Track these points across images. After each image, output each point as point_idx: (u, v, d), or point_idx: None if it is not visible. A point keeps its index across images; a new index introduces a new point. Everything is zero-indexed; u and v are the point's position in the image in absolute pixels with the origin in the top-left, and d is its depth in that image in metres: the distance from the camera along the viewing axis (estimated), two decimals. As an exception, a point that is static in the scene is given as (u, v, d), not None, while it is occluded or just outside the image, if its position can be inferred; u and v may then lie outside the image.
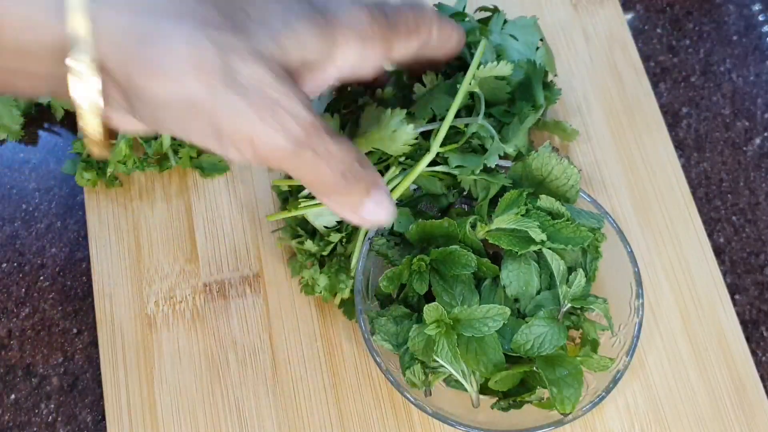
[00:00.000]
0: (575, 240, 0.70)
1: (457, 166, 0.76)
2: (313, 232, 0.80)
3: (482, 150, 0.76)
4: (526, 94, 0.79)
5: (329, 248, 0.79)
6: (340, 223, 0.79)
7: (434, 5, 0.87)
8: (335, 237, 0.78)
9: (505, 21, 0.83)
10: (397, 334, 0.73)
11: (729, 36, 0.95)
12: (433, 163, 0.76)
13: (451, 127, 0.77)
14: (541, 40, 0.83)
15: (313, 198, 0.78)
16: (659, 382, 0.80)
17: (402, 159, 0.77)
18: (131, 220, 0.85)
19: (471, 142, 0.78)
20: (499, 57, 0.81)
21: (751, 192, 0.88)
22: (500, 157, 0.77)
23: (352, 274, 0.78)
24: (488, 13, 0.86)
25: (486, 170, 0.76)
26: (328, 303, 0.81)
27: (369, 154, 0.75)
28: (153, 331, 0.81)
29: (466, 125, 0.77)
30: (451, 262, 0.72)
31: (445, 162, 0.76)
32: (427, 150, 0.75)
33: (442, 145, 0.76)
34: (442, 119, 0.75)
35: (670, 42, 0.95)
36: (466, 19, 0.83)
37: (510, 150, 0.76)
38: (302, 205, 0.79)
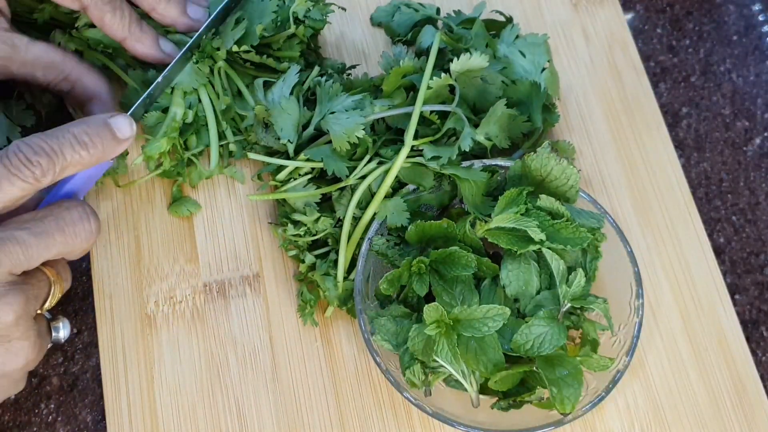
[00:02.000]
0: (575, 240, 0.70)
1: (432, 158, 0.76)
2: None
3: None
4: (525, 113, 0.80)
5: (306, 231, 0.80)
6: (319, 204, 0.80)
7: (453, 11, 0.88)
8: (311, 219, 0.79)
9: (517, 36, 0.84)
10: (397, 334, 0.73)
11: (729, 36, 0.95)
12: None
13: (430, 123, 0.79)
14: (549, 61, 0.83)
15: (288, 181, 0.81)
16: (659, 382, 0.80)
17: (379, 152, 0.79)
18: (131, 220, 0.85)
19: (448, 137, 0.79)
20: (504, 69, 0.81)
21: (751, 192, 0.88)
22: (474, 153, 0.78)
23: (341, 278, 0.78)
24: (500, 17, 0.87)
25: (459, 164, 0.77)
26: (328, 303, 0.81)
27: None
28: (153, 331, 0.81)
29: (439, 118, 0.78)
30: (450, 263, 0.72)
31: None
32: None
33: (421, 137, 0.78)
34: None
35: (670, 42, 0.95)
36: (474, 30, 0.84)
37: (481, 137, 0.77)
38: (281, 188, 0.81)
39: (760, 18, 0.96)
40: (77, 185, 0.74)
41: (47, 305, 0.70)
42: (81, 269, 0.84)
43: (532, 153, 0.73)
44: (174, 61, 0.80)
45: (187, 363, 0.80)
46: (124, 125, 0.72)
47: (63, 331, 0.73)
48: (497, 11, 0.87)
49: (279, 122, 0.79)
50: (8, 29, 0.77)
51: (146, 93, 0.79)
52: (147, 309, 0.82)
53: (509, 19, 0.86)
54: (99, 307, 0.82)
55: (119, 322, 0.81)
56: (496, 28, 0.86)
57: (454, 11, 0.88)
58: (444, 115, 0.79)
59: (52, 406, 0.80)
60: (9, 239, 0.64)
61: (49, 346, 0.73)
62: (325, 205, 0.80)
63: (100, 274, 0.83)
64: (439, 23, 0.89)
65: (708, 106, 0.92)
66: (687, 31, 0.95)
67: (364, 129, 0.76)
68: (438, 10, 0.89)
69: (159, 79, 0.79)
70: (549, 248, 0.70)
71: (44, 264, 0.69)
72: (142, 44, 0.80)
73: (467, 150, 0.76)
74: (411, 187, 0.78)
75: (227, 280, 0.83)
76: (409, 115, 0.77)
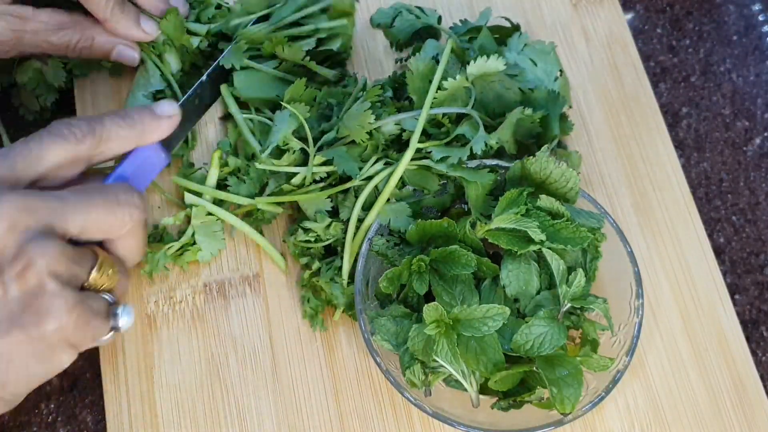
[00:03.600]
0: (575, 240, 0.70)
1: (440, 159, 0.76)
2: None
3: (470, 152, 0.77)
4: (543, 122, 0.80)
5: (317, 238, 0.80)
6: (329, 212, 0.80)
7: (459, 20, 0.88)
8: (321, 225, 0.79)
9: (526, 44, 0.84)
10: (397, 334, 0.73)
11: (729, 36, 0.95)
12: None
13: (440, 125, 0.79)
14: (560, 71, 0.83)
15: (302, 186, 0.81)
16: (659, 382, 0.80)
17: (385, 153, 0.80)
18: (131, 220, 0.85)
19: (459, 139, 0.79)
20: (514, 76, 0.81)
21: (751, 192, 0.88)
22: (486, 154, 0.78)
23: (345, 282, 0.79)
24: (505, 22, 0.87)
25: (466, 164, 0.77)
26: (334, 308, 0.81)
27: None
28: (153, 331, 0.81)
29: (451, 123, 0.78)
30: (450, 262, 0.72)
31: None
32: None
33: (429, 140, 0.78)
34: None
35: (670, 42, 0.95)
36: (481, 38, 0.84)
37: (492, 141, 0.77)
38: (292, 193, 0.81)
39: (760, 18, 0.96)
40: (127, 172, 0.75)
41: (96, 276, 0.67)
42: (81, 269, 0.84)
43: (531, 156, 0.72)
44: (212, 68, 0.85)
45: (187, 363, 0.80)
46: (164, 105, 0.76)
47: (122, 318, 0.68)
48: (504, 17, 0.87)
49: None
50: (10, 2, 0.78)
51: (192, 90, 0.83)
52: (147, 309, 0.82)
53: (516, 27, 0.86)
54: (99, 307, 0.82)
55: (119, 322, 0.81)
56: (500, 32, 0.86)
57: (460, 20, 0.88)
58: (455, 121, 0.79)
59: (52, 406, 0.80)
60: (49, 194, 0.64)
61: (109, 334, 0.68)
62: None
63: (100, 274, 0.83)
64: (442, 33, 0.89)
65: (708, 106, 0.92)
66: (687, 31, 0.95)
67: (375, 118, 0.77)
68: (440, 19, 0.89)
69: (203, 77, 0.84)
70: (549, 248, 0.70)
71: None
72: (122, 26, 0.81)
73: (479, 153, 0.76)
74: (411, 188, 0.78)
75: (227, 280, 0.83)
76: (423, 120, 0.77)
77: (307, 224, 0.79)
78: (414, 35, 0.89)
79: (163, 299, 0.82)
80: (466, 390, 0.72)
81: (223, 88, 0.85)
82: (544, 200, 0.71)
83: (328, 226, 0.79)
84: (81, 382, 0.81)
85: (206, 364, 0.80)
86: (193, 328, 0.81)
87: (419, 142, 0.77)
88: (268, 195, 0.81)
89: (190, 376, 0.80)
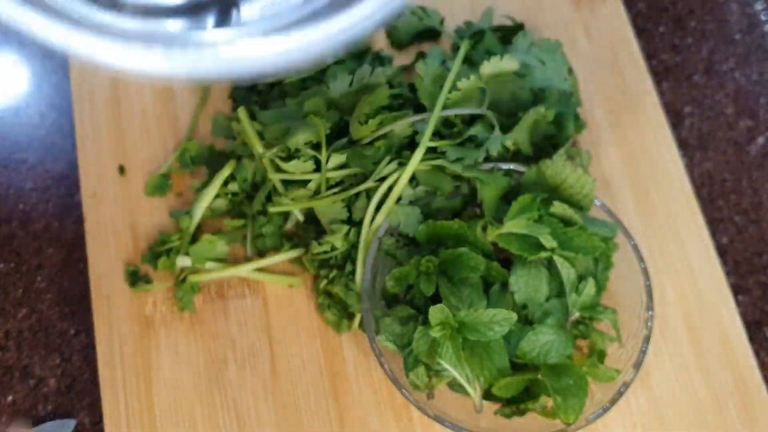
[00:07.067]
0: (587, 249, 0.69)
1: (455, 160, 0.75)
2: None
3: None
4: (556, 123, 0.79)
5: (333, 248, 0.79)
6: (344, 222, 0.79)
7: (464, 22, 0.87)
8: (338, 235, 0.78)
9: (532, 43, 0.83)
10: (402, 335, 0.73)
11: (732, 34, 0.95)
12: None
13: (453, 126, 0.78)
14: (570, 70, 0.83)
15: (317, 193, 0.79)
16: (661, 383, 0.80)
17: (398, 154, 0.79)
18: (129, 220, 0.84)
19: (472, 140, 0.78)
20: (523, 76, 0.81)
21: (754, 192, 0.88)
22: (503, 158, 0.77)
23: (359, 288, 0.78)
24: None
25: (481, 165, 0.76)
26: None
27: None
28: (151, 332, 0.81)
29: (463, 123, 0.78)
30: (459, 265, 0.71)
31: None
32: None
33: (442, 140, 0.77)
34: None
35: (672, 40, 0.94)
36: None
37: (508, 142, 0.76)
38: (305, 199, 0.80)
39: (763, 16, 0.95)
40: None
41: None
42: (78, 270, 0.84)
43: (548, 160, 0.72)
44: None
45: (185, 364, 0.80)
46: None
47: None
48: (507, 16, 0.86)
49: None
50: None
51: None
52: (145, 310, 0.81)
53: (520, 25, 0.86)
54: (97, 308, 0.81)
55: (117, 324, 0.81)
56: (503, 32, 0.86)
57: (464, 23, 0.88)
58: (468, 121, 0.78)
59: (50, 407, 0.80)
60: None
61: None
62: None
63: (97, 275, 0.82)
64: (444, 37, 0.88)
65: (711, 105, 0.91)
66: (689, 30, 0.95)
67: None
68: (442, 21, 0.89)
69: None
70: (560, 256, 0.70)
71: None
72: None
73: (495, 154, 0.75)
74: (424, 189, 0.78)
75: (225, 280, 0.82)
76: (436, 123, 0.77)
77: (327, 237, 0.78)
78: (416, 36, 0.89)
79: (161, 300, 0.82)
80: (469, 395, 0.72)
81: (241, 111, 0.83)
82: (558, 207, 0.71)
83: (347, 233, 0.78)
84: (78, 384, 0.81)
85: (204, 366, 0.80)
86: (192, 328, 0.81)
87: (432, 142, 0.77)
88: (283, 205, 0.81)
89: (188, 377, 0.79)
